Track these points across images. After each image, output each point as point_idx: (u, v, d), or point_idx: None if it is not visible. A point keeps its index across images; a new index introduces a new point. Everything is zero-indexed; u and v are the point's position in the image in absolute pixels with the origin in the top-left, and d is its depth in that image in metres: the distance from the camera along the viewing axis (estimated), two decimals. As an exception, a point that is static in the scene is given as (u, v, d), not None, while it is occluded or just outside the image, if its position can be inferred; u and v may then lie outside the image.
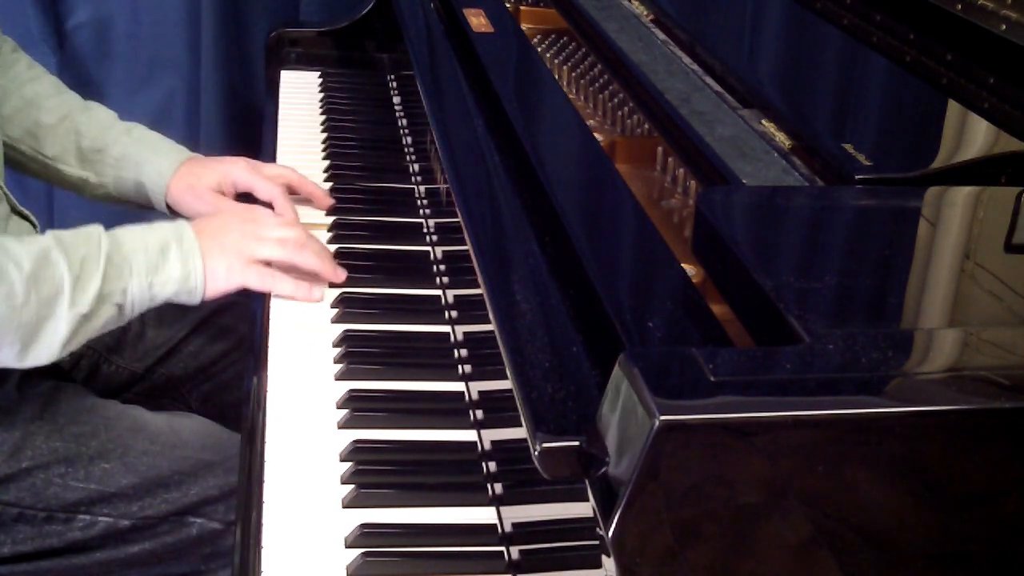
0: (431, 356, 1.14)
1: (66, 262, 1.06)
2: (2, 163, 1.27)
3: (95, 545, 1.19)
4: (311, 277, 1.20)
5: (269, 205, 1.34)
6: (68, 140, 1.37)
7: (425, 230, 1.35)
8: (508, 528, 0.92)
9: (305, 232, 1.22)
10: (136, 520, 1.18)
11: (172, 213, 1.38)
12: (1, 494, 1.16)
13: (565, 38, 1.43)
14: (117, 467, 1.18)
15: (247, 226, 1.18)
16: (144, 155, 1.37)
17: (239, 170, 1.36)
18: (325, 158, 1.53)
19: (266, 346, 1.14)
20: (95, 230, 1.12)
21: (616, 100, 1.21)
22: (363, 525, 0.92)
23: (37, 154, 1.37)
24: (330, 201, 1.38)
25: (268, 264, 1.18)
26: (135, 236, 1.13)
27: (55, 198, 2.23)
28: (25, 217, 1.27)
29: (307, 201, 1.39)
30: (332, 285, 1.21)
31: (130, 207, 1.44)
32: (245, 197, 1.37)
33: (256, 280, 1.17)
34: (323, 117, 1.65)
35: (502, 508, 0.94)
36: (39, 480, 1.16)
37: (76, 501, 1.17)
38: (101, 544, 1.19)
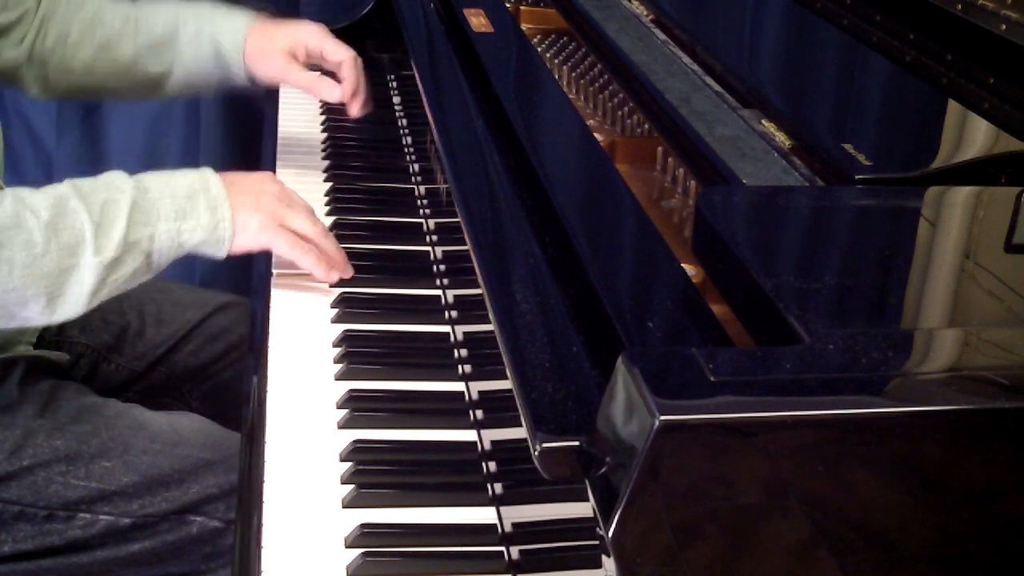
0: (431, 356, 1.14)
1: (86, 209, 1.05)
2: (3, 159, 1.27)
3: (96, 543, 1.19)
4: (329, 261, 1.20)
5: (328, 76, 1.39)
6: (139, 40, 1.39)
7: (425, 230, 1.35)
8: (508, 528, 0.92)
9: (324, 226, 1.22)
10: (137, 518, 1.18)
11: (250, 82, 1.41)
12: (2, 492, 1.16)
13: (565, 38, 1.43)
14: (118, 465, 1.18)
15: (282, 191, 1.18)
16: (217, 23, 1.40)
17: (311, 34, 1.40)
18: (325, 158, 1.53)
19: (266, 346, 1.14)
20: (117, 175, 1.11)
21: (616, 100, 1.21)
22: (363, 525, 0.92)
23: (115, 64, 1.39)
24: (354, 105, 1.41)
25: None
26: (160, 182, 1.12)
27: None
28: None
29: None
30: (332, 285, 1.21)
31: (209, 89, 1.46)
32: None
33: (285, 244, 1.15)
34: (323, 117, 1.65)
35: (502, 508, 0.94)
36: (40, 478, 1.16)
37: (77, 499, 1.17)
38: (102, 542, 1.19)
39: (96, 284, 1.05)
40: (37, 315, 1.05)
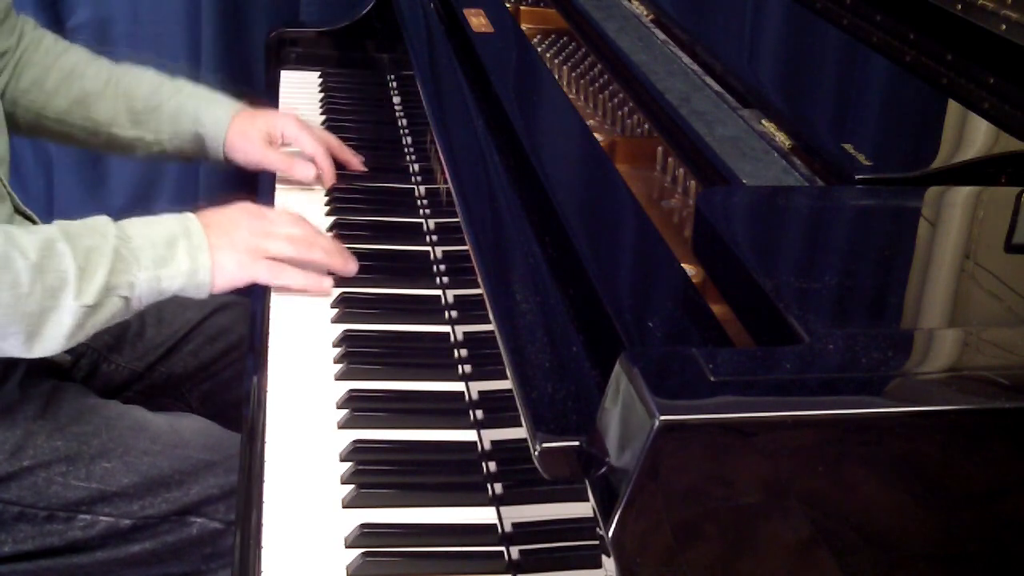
0: (431, 356, 1.14)
1: (71, 253, 1.06)
2: (8, 162, 1.27)
3: (96, 544, 1.19)
4: (320, 269, 1.21)
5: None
6: (118, 103, 1.39)
7: (425, 230, 1.35)
8: (508, 528, 0.92)
9: (313, 229, 1.22)
10: (137, 519, 1.18)
11: (227, 162, 1.43)
12: (2, 493, 1.16)
13: (565, 38, 1.43)
14: (118, 466, 1.19)
15: (256, 223, 1.18)
16: (201, 107, 1.40)
17: (289, 124, 1.41)
18: (325, 158, 1.53)
19: (266, 346, 1.14)
20: (102, 221, 1.12)
21: (616, 100, 1.21)
22: (363, 525, 0.92)
23: (89, 121, 1.39)
24: (359, 165, 1.46)
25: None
26: (142, 229, 1.13)
27: (55, 199, 2.24)
28: (28, 217, 1.27)
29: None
30: (336, 284, 1.22)
31: (183, 160, 1.48)
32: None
33: (266, 274, 1.17)
34: (323, 117, 1.65)
35: (502, 508, 0.94)
36: (40, 479, 1.16)
37: (77, 500, 1.17)
38: (102, 543, 1.19)
39: (74, 327, 1.07)
40: (15, 350, 1.07)
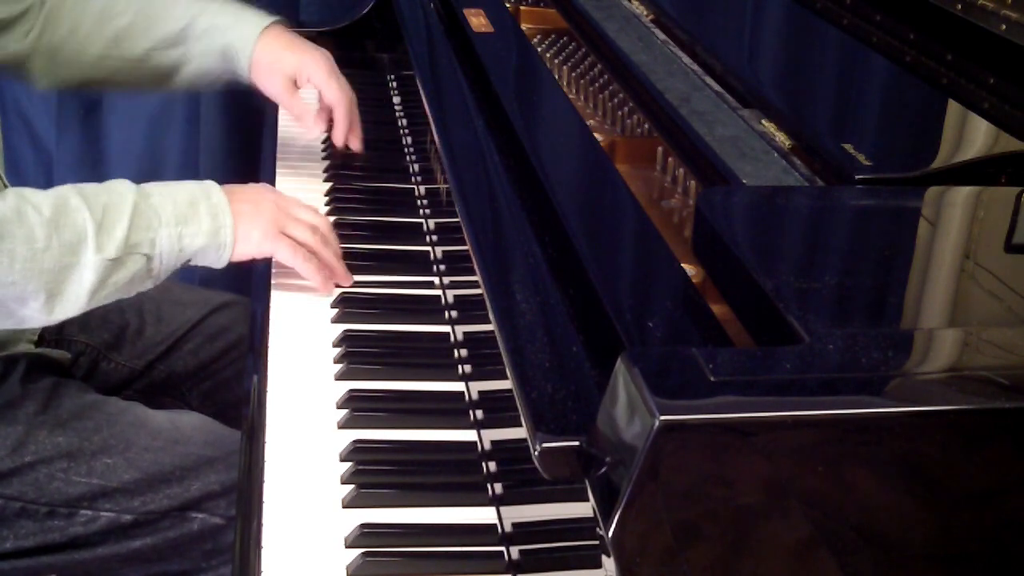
0: (431, 356, 1.14)
1: (88, 208, 1.05)
2: (2, 154, 1.28)
3: (97, 540, 1.19)
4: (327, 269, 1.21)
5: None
6: (152, 31, 1.38)
7: (425, 230, 1.35)
8: (508, 528, 0.92)
9: (329, 227, 1.22)
10: (138, 515, 1.18)
11: (251, 85, 1.41)
12: (3, 489, 1.16)
13: (565, 38, 1.43)
14: (119, 462, 1.19)
15: (283, 201, 1.19)
16: (229, 22, 1.39)
17: (317, 68, 1.39)
18: (325, 158, 1.53)
19: (266, 345, 1.14)
20: (119, 182, 1.11)
21: (616, 100, 1.21)
22: (363, 525, 0.92)
23: (127, 56, 1.39)
24: (357, 144, 1.44)
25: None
26: (161, 189, 1.12)
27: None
28: None
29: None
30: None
31: (214, 86, 1.47)
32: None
33: (287, 252, 1.16)
34: (323, 116, 1.65)
35: (502, 508, 0.94)
36: (41, 475, 1.16)
37: (78, 496, 1.17)
38: (103, 539, 1.19)
39: (96, 283, 1.05)
40: (36, 312, 1.05)
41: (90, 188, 1.08)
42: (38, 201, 1.04)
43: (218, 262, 1.14)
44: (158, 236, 1.09)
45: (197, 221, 1.11)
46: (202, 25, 1.38)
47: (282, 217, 1.17)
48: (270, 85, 1.39)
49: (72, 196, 1.06)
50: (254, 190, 1.19)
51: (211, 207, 1.12)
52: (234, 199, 1.14)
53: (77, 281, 1.05)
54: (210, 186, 1.15)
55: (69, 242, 1.04)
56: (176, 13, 1.39)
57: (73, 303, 1.06)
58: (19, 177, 2.24)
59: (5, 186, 1.22)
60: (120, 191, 1.09)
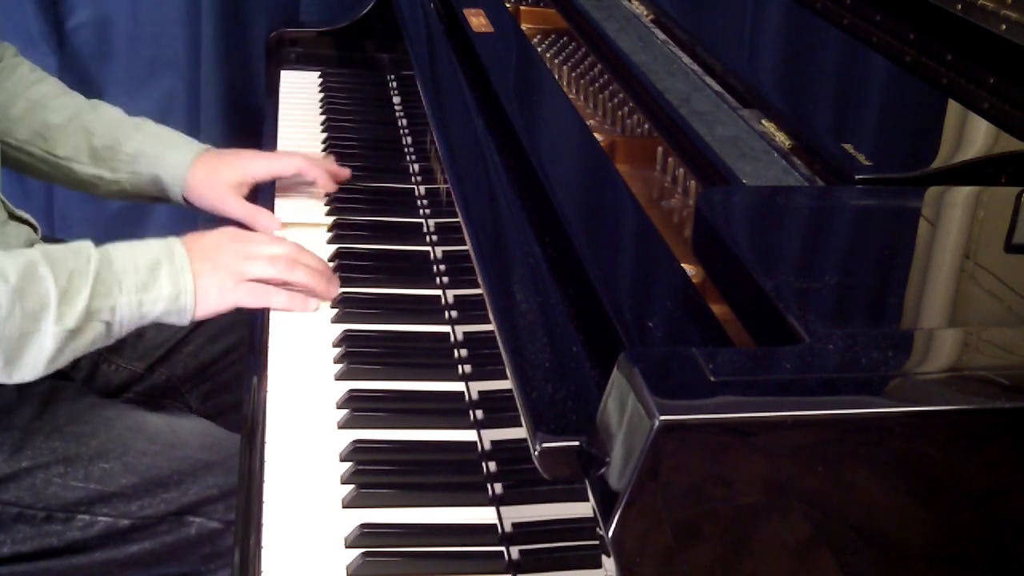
0: (431, 356, 1.14)
1: (52, 276, 1.05)
2: (0, 170, 1.27)
3: (94, 545, 1.19)
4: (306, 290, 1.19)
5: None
6: (79, 139, 1.37)
7: (425, 230, 1.35)
8: (508, 528, 0.92)
9: (297, 248, 1.20)
10: (135, 520, 1.18)
11: (188, 205, 1.40)
12: (1, 494, 1.16)
13: (565, 38, 1.43)
14: (117, 467, 1.18)
15: (237, 245, 1.17)
16: (159, 150, 1.37)
17: (258, 167, 1.38)
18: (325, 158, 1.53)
19: (266, 346, 1.14)
20: (85, 246, 1.11)
21: (616, 100, 1.21)
22: (363, 525, 0.92)
23: (48, 155, 1.37)
24: (334, 186, 1.41)
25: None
26: (125, 253, 1.12)
27: (55, 201, 2.23)
28: (25, 221, 1.26)
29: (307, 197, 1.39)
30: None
31: (144, 200, 1.45)
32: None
33: (248, 298, 1.16)
34: (323, 117, 1.65)
35: (502, 508, 0.94)
36: (39, 480, 1.16)
37: (76, 501, 1.17)
38: (100, 544, 1.19)
39: (55, 351, 1.06)
40: None
41: (57, 252, 1.08)
42: (5, 267, 1.04)
43: (181, 321, 1.14)
44: (118, 303, 1.09)
45: (158, 287, 1.11)
46: (128, 150, 1.37)
47: (239, 263, 1.15)
48: (215, 200, 1.37)
49: (40, 263, 1.06)
50: (212, 241, 1.17)
51: (173, 271, 1.12)
52: (193, 257, 1.14)
53: (38, 348, 1.05)
54: (174, 246, 1.14)
55: (32, 311, 1.04)
56: (103, 131, 1.37)
57: (31, 368, 1.07)
58: (20, 179, 2.24)
59: (2, 202, 1.22)
60: (85, 256, 1.09)
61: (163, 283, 1.11)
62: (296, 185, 1.42)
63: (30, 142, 1.36)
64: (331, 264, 1.25)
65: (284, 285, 1.18)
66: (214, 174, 1.36)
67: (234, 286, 1.15)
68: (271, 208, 1.38)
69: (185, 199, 1.39)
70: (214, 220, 1.38)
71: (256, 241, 1.20)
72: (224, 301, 1.15)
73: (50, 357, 1.06)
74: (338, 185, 1.42)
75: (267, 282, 1.17)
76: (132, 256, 1.11)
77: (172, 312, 1.12)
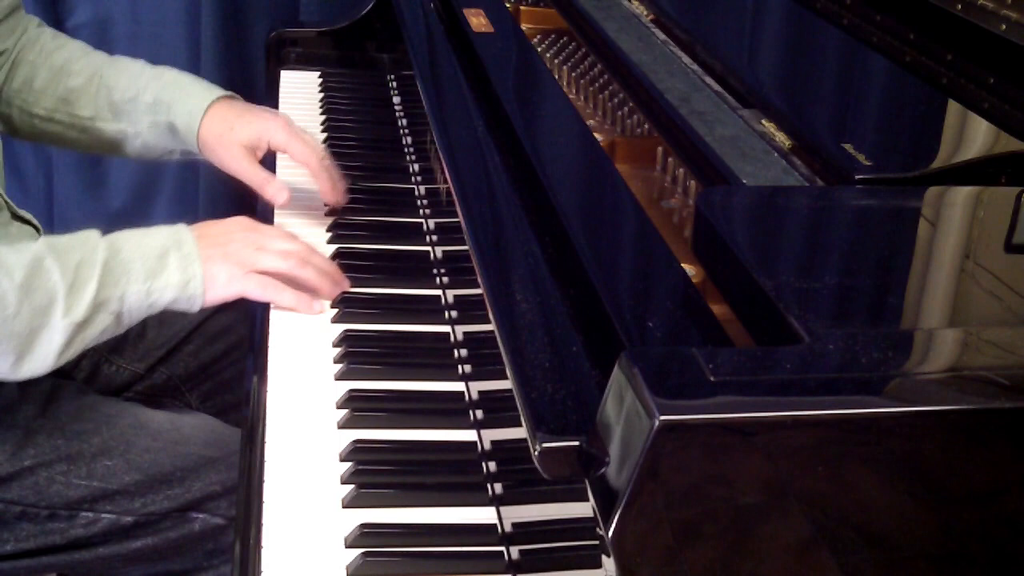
0: (431, 356, 1.14)
1: (59, 269, 1.05)
2: (3, 170, 1.27)
3: (98, 541, 1.19)
4: (313, 290, 1.19)
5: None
6: (100, 97, 1.36)
7: (425, 230, 1.35)
8: (508, 528, 0.92)
9: (308, 247, 1.20)
10: (139, 516, 1.18)
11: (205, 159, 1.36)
12: (4, 492, 1.16)
13: (565, 38, 1.43)
14: (119, 464, 1.19)
15: (250, 235, 1.16)
16: (175, 96, 1.34)
17: (277, 130, 1.31)
18: (325, 158, 1.53)
19: (266, 346, 1.14)
20: (91, 235, 1.10)
21: (616, 100, 1.21)
22: (363, 525, 0.92)
23: (74, 119, 1.36)
24: (337, 198, 1.35)
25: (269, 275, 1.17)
26: (133, 241, 1.11)
27: (55, 199, 2.24)
28: (27, 221, 1.26)
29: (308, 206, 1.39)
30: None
31: (172, 158, 1.41)
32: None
33: (256, 289, 1.15)
34: (323, 117, 1.65)
35: (502, 508, 0.94)
36: (41, 478, 1.16)
37: (79, 498, 1.17)
38: (104, 540, 1.19)
39: (64, 343, 1.06)
40: (5, 372, 1.06)
41: (63, 243, 1.08)
42: (11, 264, 1.03)
43: (191, 308, 1.14)
44: (126, 292, 1.08)
45: (166, 275, 1.10)
46: (147, 99, 1.34)
47: (250, 254, 1.14)
48: (226, 158, 1.32)
49: (45, 257, 1.05)
50: (224, 229, 1.16)
51: (181, 258, 1.11)
52: (203, 244, 1.13)
53: (47, 341, 1.05)
54: (182, 233, 1.13)
55: (40, 306, 1.04)
56: (123, 83, 1.35)
57: (42, 362, 1.06)
58: (19, 178, 2.25)
59: (6, 202, 1.22)
60: (92, 246, 1.08)
61: (172, 270, 1.10)
62: (296, 186, 1.42)
63: (56, 109, 1.36)
64: (331, 264, 1.25)
65: (292, 281, 1.18)
66: (229, 132, 1.31)
67: (243, 275, 1.14)
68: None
69: (202, 156, 1.35)
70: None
71: (269, 234, 1.19)
72: (231, 288, 1.14)
73: (59, 350, 1.06)
74: (336, 201, 1.36)
75: (275, 277, 1.17)
76: (140, 244, 1.11)
77: (182, 299, 1.12)
